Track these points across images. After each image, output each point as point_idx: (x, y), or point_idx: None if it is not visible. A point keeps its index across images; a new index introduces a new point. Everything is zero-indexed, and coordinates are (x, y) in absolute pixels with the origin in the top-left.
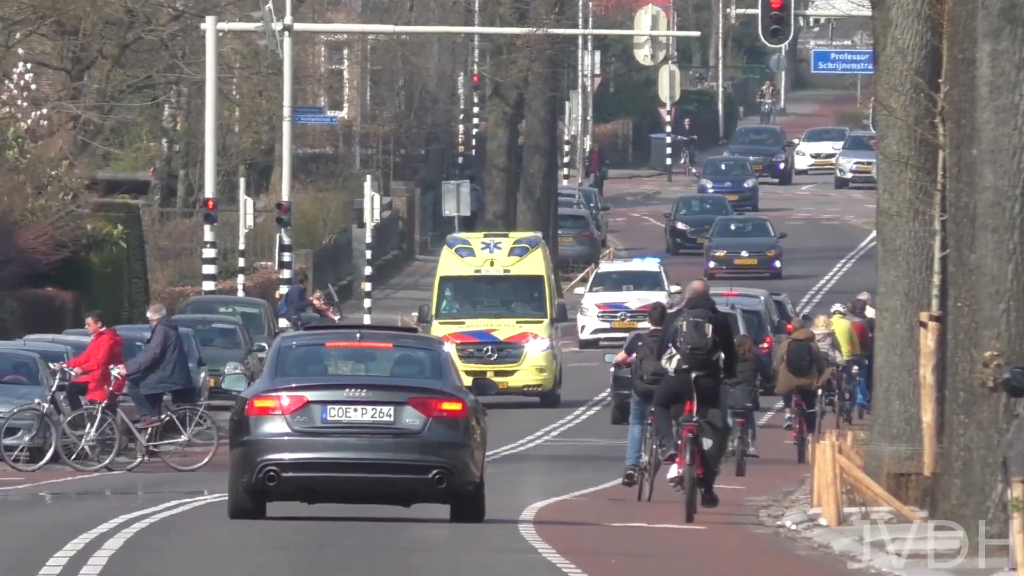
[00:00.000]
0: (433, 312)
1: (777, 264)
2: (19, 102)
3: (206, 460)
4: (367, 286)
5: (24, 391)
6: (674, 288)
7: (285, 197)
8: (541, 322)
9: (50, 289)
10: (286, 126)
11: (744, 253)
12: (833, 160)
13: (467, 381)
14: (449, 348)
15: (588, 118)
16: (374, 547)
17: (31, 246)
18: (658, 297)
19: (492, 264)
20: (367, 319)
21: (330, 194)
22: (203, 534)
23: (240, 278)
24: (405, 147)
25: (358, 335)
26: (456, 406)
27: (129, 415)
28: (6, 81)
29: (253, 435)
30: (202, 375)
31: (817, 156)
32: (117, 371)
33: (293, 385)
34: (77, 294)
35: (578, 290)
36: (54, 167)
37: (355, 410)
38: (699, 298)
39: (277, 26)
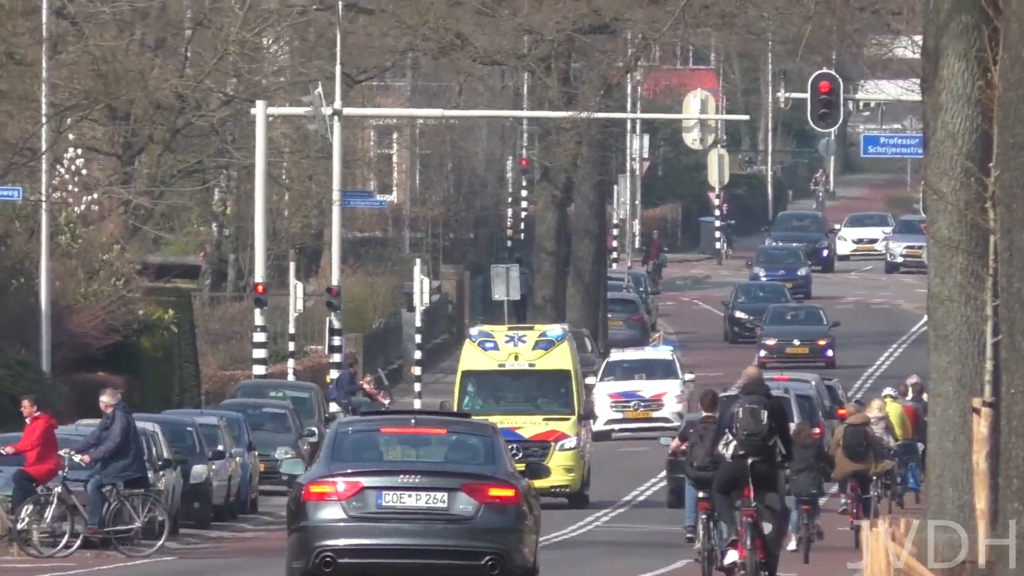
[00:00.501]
0: (455, 408)
1: (830, 353)
2: (70, 187)
3: (156, 547)
4: (417, 370)
5: (76, 475)
6: (687, 376)
7: (335, 281)
8: (568, 419)
9: (102, 374)
10: (336, 210)
11: (796, 342)
12: (875, 245)
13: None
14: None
15: (637, 202)
16: None
17: (83, 331)
18: (672, 386)
19: (517, 358)
20: (417, 403)
21: (380, 278)
22: None
23: (290, 362)
24: (454, 231)
25: (413, 421)
26: (508, 492)
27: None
28: (57, 166)
29: (310, 520)
30: (252, 460)
31: (859, 241)
32: (79, 458)
33: (348, 471)
34: (128, 379)
35: (589, 379)
36: (105, 252)
37: (409, 496)
38: (754, 384)
39: (327, 111)
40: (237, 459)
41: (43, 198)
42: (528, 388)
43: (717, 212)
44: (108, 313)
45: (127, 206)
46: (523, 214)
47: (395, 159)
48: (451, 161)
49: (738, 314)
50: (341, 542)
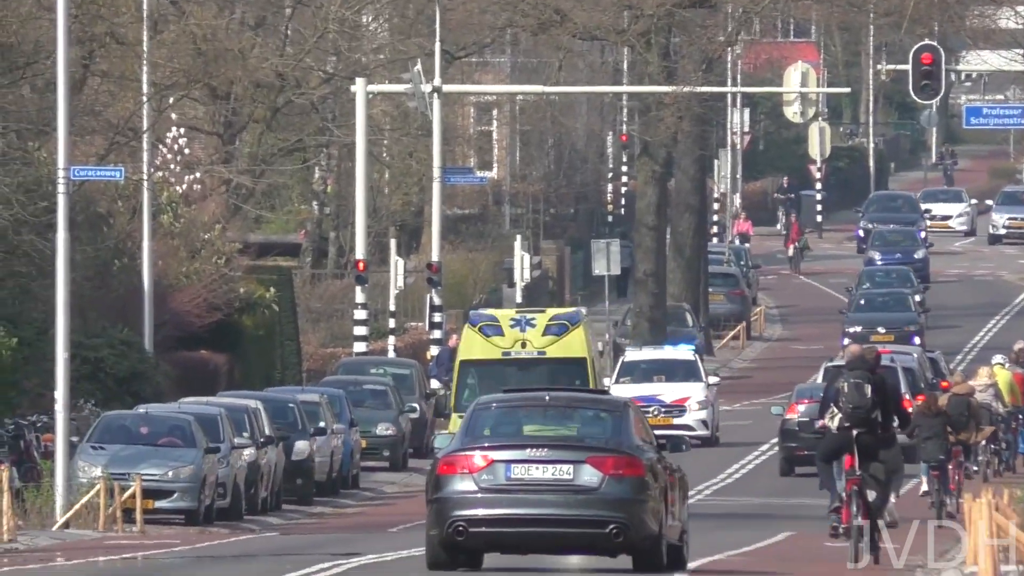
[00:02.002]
0: (452, 404)
1: (917, 340)
2: (172, 166)
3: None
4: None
5: (179, 454)
6: (712, 379)
7: (435, 257)
8: None
9: (204, 352)
10: (436, 187)
11: (881, 330)
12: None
13: None
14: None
15: (737, 176)
16: None
17: (185, 309)
18: (695, 390)
19: (524, 345)
20: None
21: (480, 254)
22: None
23: (391, 339)
24: (554, 206)
25: (547, 397)
26: (632, 464)
27: None
28: (159, 146)
29: (443, 492)
30: (354, 436)
31: (932, 218)
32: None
33: (479, 445)
34: (230, 357)
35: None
36: (207, 231)
37: (537, 468)
38: (857, 360)
39: (426, 88)
40: (339, 436)
41: (144, 178)
42: (538, 379)
43: (826, 184)
44: (210, 292)
45: (228, 185)
46: (623, 189)
47: (495, 135)
48: (551, 137)
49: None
50: (473, 512)
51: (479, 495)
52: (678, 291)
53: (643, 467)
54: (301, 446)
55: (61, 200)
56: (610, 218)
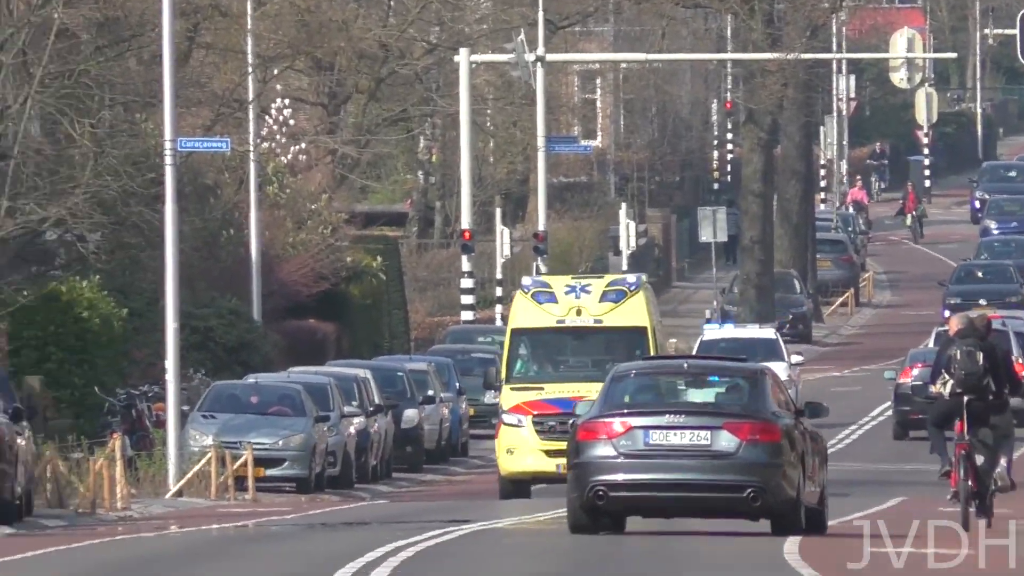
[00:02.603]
0: (503, 374)
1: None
2: (278, 137)
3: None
4: None
5: (289, 422)
6: (795, 359)
7: (541, 226)
8: None
9: (312, 321)
10: (540, 156)
11: (982, 301)
12: None
13: (550, 466)
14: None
15: (844, 142)
16: (642, 555)
17: (292, 279)
18: (776, 369)
19: (579, 313)
20: None
21: (585, 222)
22: (468, 562)
23: (498, 307)
24: (660, 174)
25: (685, 365)
26: (768, 430)
27: None
28: (265, 117)
29: (583, 458)
30: (463, 405)
31: None
32: None
33: (618, 412)
34: (338, 326)
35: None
36: (313, 201)
37: (674, 434)
38: (968, 328)
39: (530, 57)
40: (447, 404)
41: (251, 149)
42: (594, 349)
43: (933, 150)
44: (317, 261)
45: (334, 155)
46: (729, 156)
47: (599, 104)
48: (655, 105)
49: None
50: (613, 477)
51: (619, 460)
52: (785, 258)
53: (779, 432)
54: (410, 414)
55: (168, 172)
56: (716, 185)
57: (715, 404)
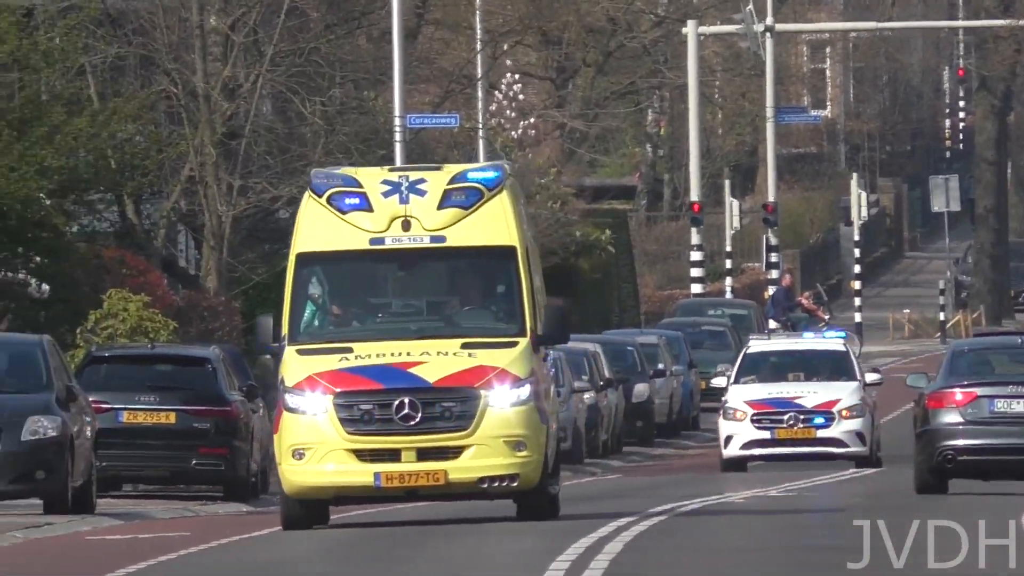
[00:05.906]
0: (285, 328)
1: None
2: (507, 112)
3: None
4: (856, 284)
5: None
6: (871, 377)
7: (771, 198)
8: (514, 343)
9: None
10: (769, 127)
11: None
12: None
13: (365, 477)
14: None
15: None
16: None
17: None
18: (846, 391)
19: (408, 226)
20: (857, 317)
21: (816, 193)
22: (702, 536)
23: (728, 280)
24: (890, 143)
25: (1020, 340)
26: None
27: None
28: (494, 92)
29: (932, 425)
30: (694, 378)
31: None
32: None
33: (965, 382)
34: (567, 300)
35: (716, 381)
36: (542, 175)
37: (1018, 403)
38: None
39: (758, 27)
40: (678, 377)
41: (479, 125)
42: (432, 285)
43: None
44: (546, 236)
45: (562, 129)
46: (961, 124)
47: (828, 74)
48: (886, 74)
49: None
50: (959, 442)
51: (965, 427)
52: (1021, 227)
53: None
54: (641, 388)
55: (398, 148)
56: (948, 154)
57: None
